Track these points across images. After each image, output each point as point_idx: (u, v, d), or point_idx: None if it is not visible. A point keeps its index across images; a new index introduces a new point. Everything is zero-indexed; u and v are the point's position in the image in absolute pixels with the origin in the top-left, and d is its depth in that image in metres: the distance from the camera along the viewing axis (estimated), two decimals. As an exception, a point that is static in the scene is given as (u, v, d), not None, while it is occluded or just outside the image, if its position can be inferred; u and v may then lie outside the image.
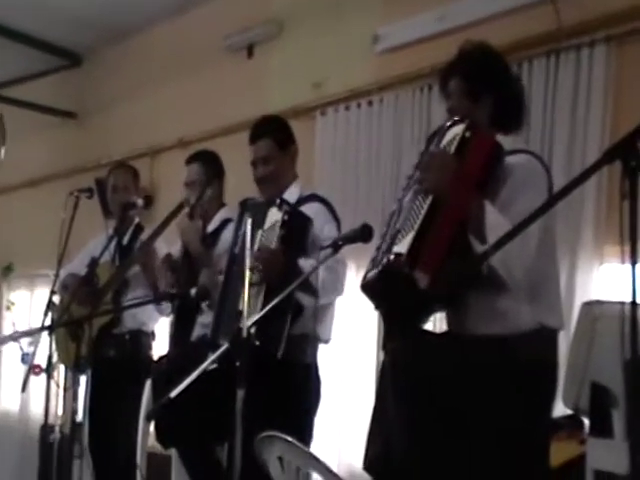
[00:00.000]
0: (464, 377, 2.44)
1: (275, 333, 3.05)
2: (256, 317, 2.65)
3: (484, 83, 2.73)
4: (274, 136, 3.56)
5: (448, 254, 2.46)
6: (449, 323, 2.75)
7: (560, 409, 3.06)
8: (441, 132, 2.69)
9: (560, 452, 2.76)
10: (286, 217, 3.16)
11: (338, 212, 3.56)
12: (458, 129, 2.61)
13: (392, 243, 2.55)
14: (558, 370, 2.63)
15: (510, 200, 2.50)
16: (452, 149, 2.58)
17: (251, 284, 2.76)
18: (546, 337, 2.58)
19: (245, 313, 2.64)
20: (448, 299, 2.60)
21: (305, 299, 3.14)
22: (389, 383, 2.47)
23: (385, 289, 2.58)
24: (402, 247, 2.48)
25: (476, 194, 2.50)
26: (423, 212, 2.51)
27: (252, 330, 2.71)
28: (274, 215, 3.20)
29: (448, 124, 2.67)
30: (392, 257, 2.49)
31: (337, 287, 3.29)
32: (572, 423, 2.98)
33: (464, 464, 2.38)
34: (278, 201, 3.24)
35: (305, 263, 3.10)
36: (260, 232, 3.22)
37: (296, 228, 3.19)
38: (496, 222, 2.41)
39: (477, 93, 2.72)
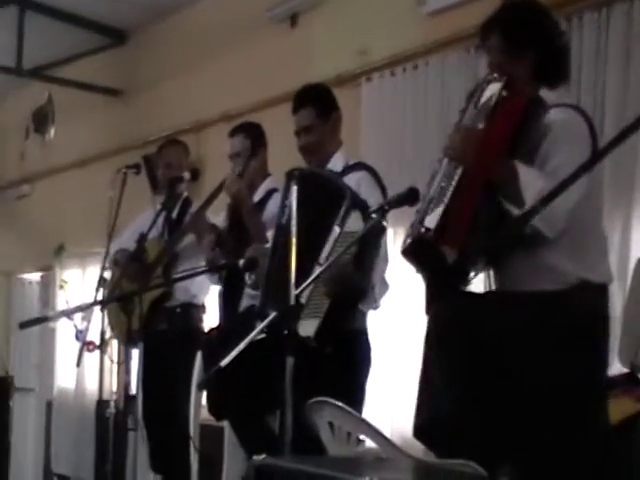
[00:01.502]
0: (513, 333, 2.43)
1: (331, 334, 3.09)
2: (302, 287, 2.65)
3: (524, 38, 2.69)
4: (315, 105, 3.54)
5: (475, 226, 2.49)
6: (494, 282, 2.72)
7: (617, 367, 3.00)
8: (479, 89, 2.67)
9: (616, 410, 2.73)
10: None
11: (385, 179, 3.52)
12: (495, 87, 2.59)
13: (425, 213, 2.56)
14: (609, 323, 2.60)
15: (547, 156, 2.50)
16: (490, 107, 2.57)
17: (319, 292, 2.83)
18: (593, 291, 2.55)
19: (292, 282, 2.64)
20: (491, 259, 2.59)
21: (365, 305, 3.25)
22: (433, 345, 2.47)
23: (420, 257, 2.61)
24: (431, 221, 2.50)
25: (505, 158, 2.48)
26: (454, 184, 2.52)
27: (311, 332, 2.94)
28: (356, 222, 3.11)
29: (487, 80, 2.65)
30: (422, 230, 2.52)
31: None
32: (628, 381, 2.94)
33: (518, 423, 2.35)
34: (353, 200, 3.15)
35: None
36: (338, 230, 3.13)
37: (373, 239, 3.11)
38: (530, 178, 2.41)
39: (517, 48, 2.68)
